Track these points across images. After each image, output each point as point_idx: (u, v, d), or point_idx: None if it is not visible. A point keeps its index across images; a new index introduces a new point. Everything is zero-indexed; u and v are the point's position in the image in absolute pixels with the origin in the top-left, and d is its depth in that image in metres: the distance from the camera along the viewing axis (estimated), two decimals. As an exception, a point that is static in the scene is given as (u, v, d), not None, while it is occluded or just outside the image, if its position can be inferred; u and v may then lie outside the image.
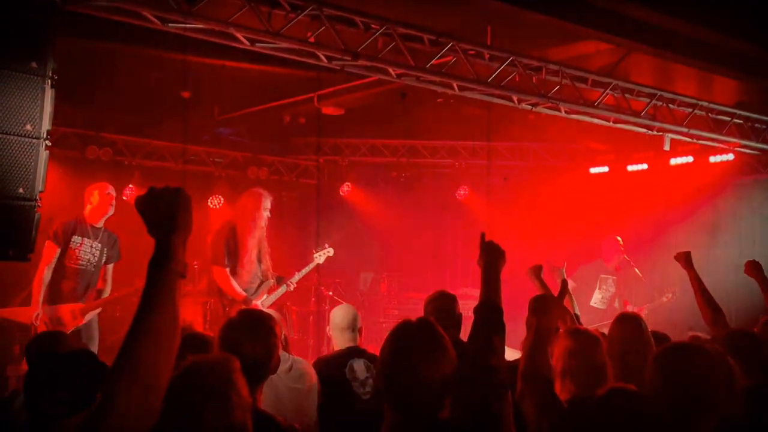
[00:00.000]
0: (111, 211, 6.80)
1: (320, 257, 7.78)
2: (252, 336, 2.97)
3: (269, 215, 6.99)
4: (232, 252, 6.76)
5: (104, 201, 6.75)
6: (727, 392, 2.56)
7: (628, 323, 3.88)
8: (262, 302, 6.89)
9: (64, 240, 6.56)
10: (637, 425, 1.72)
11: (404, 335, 2.44)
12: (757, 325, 4.59)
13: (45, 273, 6.46)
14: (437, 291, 4.64)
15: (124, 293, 6.85)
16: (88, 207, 6.75)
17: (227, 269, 6.73)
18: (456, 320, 4.43)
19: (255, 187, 7.24)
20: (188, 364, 2.20)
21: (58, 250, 6.53)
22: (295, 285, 7.30)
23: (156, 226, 1.89)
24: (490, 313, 2.87)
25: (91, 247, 6.71)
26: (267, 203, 6.94)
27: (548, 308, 3.05)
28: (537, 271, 4.93)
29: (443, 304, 4.48)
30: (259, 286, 6.96)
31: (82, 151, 9.35)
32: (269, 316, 3.14)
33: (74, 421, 2.46)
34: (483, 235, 3.09)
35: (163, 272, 1.83)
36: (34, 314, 6.34)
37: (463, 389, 2.57)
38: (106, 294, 6.84)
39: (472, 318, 2.88)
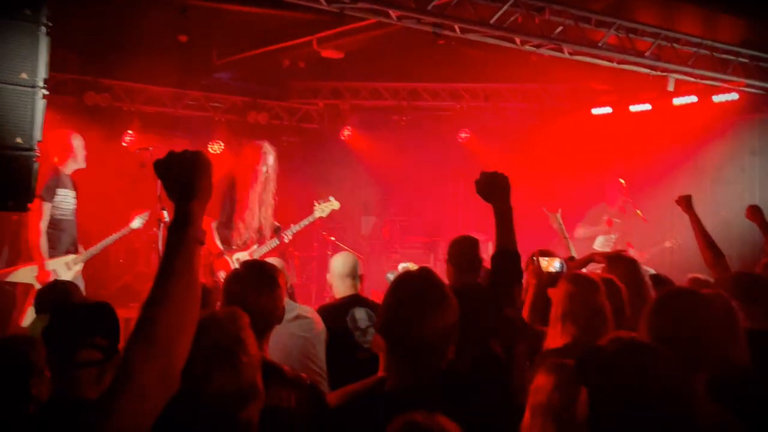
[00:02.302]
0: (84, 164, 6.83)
1: (323, 210, 7.21)
2: (257, 288, 2.98)
3: (275, 169, 6.92)
4: (227, 206, 6.74)
5: (81, 152, 6.76)
6: (730, 336, 2.57)
7: (620, 264, 3.90)
8: (251, 252, 6.78)
9: (52, 194, 6.52)
10: (647, 375, 1.73)
11: (406, 286, 2.44)
12: (758, 266, 4.60)
13: (42, 229, 6.40)
14: (461, 235, 4.67)
15: (112, 238, 6.83)
16: (63, 155, 6.69)
17: (214, 222, 6.68)
18: (477, 264, 4.46)
19: (257, 140, 7.13)
20: None
21: (49, 205, 6.48)
22: (291, 237, 7.07)
23: (175, 191, 1.85)
24: (507, 260, 2.91)
25: (71, 197, 6.72)
26: (269, 157, 6.86)
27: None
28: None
29: (466, 247, 4.50)
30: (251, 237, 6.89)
31: (79, 97, 9.27)
32: (273, 267, 3.15)
33: (93, 372, 2.45)
34: (483, 173, 3.11)
35: (181, 238, 1.79)
36: (50, 274, 6.31)
37: (472, 336, 2.58)
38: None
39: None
